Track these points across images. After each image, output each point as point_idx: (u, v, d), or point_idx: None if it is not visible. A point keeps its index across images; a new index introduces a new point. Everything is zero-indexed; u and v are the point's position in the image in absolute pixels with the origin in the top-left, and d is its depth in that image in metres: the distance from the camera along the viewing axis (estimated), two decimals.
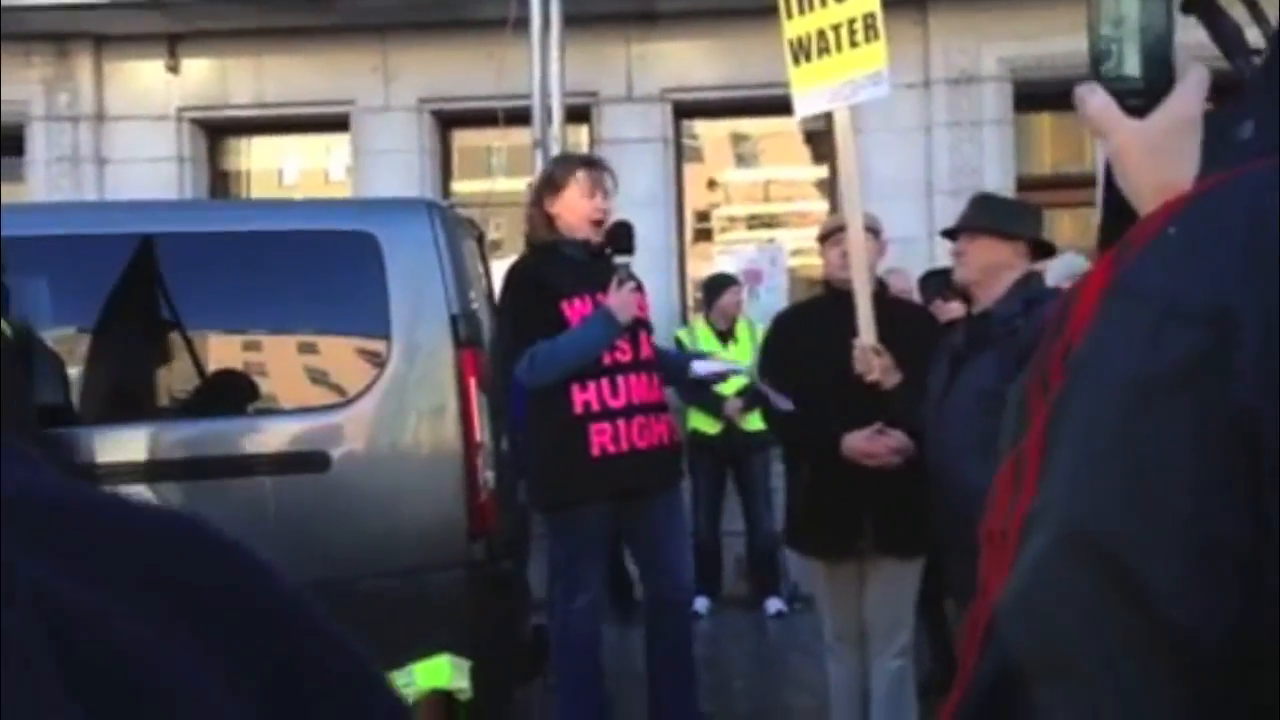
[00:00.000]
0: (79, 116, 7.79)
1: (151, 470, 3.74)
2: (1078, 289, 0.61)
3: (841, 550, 3.52)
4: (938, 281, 5.22)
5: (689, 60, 7.79)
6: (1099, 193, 0.84)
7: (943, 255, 6.70)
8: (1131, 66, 0.80)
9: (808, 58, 3.61)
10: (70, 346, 4.03)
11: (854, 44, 3.53)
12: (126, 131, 7.84)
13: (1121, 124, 0.77)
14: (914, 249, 7.21)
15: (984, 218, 3.23)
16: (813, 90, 3.62)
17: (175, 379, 4.17)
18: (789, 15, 3.64)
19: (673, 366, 4.30)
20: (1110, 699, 0.50)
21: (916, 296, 5.27)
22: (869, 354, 3.36)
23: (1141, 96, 0.79)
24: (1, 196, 7.31)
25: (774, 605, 6.37)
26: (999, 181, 7.41)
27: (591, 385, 3.69)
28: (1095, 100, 0.79)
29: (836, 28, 3.55)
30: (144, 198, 6.78)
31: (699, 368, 4.21)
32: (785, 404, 3.52)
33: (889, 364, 3.35)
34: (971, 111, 7.73)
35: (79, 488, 0.31)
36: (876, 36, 3.51)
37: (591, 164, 3.93)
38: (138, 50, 7.75)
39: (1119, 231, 0.63)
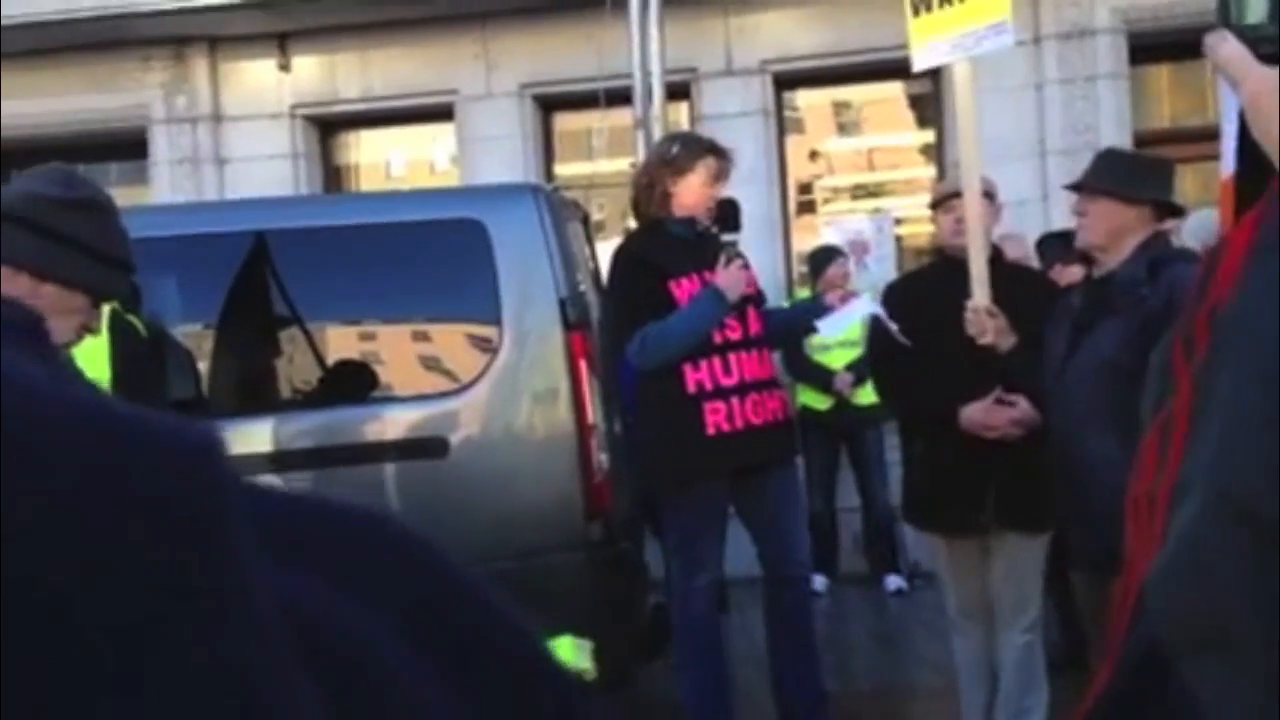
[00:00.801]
0: (197, 118, 8.05)
1: (278, 460, 3.86)
2: (1222, 247, 0.58)
3: (962, 525, 3.45)
4: (1056, 245, 5.06)
5: (788, 30, 7.68)
6: (1224, 144, 0.79)
7: (1058, 218, 6.51)
8: (1260, 14, 0.76)
9: (928, 8, 3.56)
10: (198, 342, 4.18)
11: None
12: (243, 131, 8.08)
13: (1255, 71, 0.73)
14: (1028, 211, 7.01)
15: (1107, 179, 3.09)
16: (932, 42, 3.56)
17: (296, 370, 4.30)
18: None
19: (791, 328, 4.24)
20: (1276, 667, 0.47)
21: (1035, 262, 5.11)
22: (982, 315, 3.27)
23: (1275, 43, 0.74)
24: (127, 199, 7.61)
25: (893, 582, 6.29)
26: (1115, 138, 7.13)
27: (704, 364, 3.68)
28: (1227, 48, 0.75)
29: None
30: (261, 195, 6.98)
31: (827, 329, 4.09)
32: (903, 339, 3.46)
33: (1003, 325, 3.26)
34: (1084, 67, 7.46)
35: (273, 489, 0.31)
36: None
37: (719, 153, 3.90)
38: (250, 50, 7.97)
39: (1256, 184, 0.59)
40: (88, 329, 2.11)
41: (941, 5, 3.51)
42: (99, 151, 7.80)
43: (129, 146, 8.06)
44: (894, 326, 3.48)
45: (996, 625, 3.50)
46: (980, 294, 3.31)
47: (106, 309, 2.66)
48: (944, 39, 3.52)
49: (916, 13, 3.59)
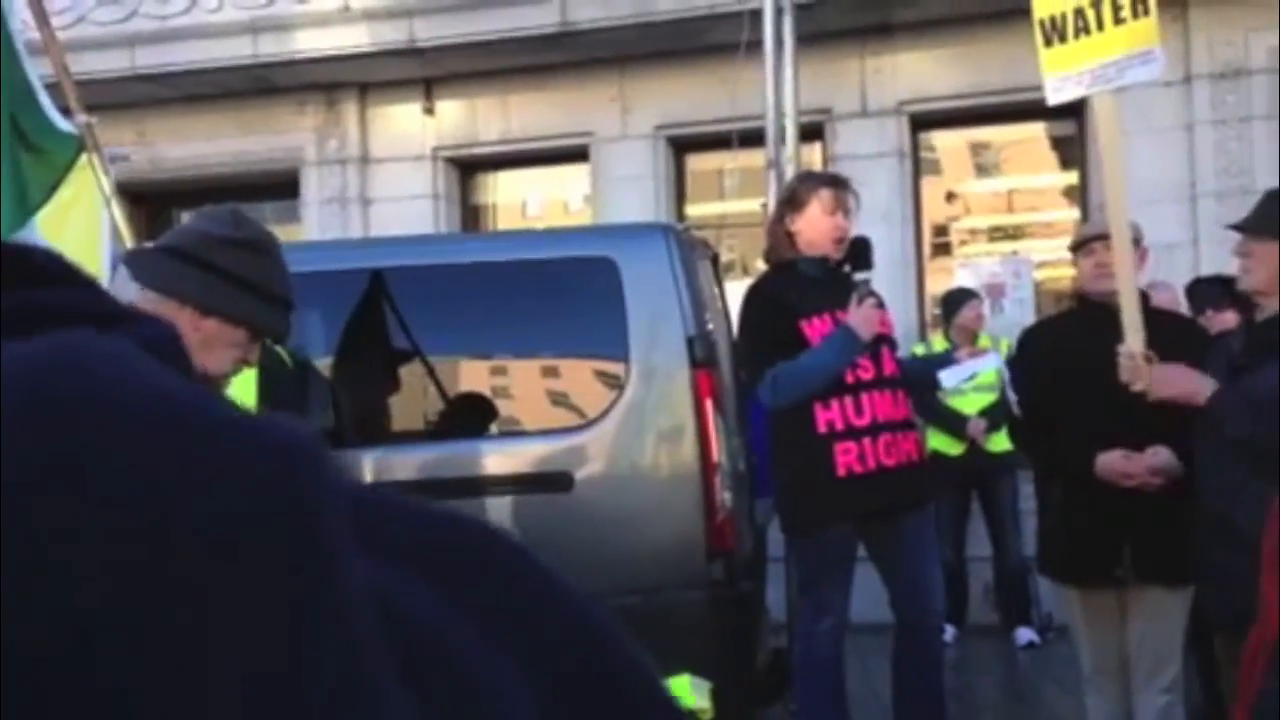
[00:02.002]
0: (346, 160, 8.40)
1: (412, 489, 3.97)
2: None
3: (1098, 577, 3.32)
4: (1207, 290, 4.86)
5: (925, 71, 7.61)
6: None
7: (1209, 262, 6.25)
8: None
9: (1061, 38, 3.27)
10: (339, 373, 4.34)
11: (1119, 21, 3.17)
12: (388, 172, 8.39)
13: None
14: (1177, 256, 6.75)
15: (1273, 220, 2.96)
16: (1068, 74, 3.29)
17: (430, 403, 4.42)
18: None
19: (915, 380, 4.18)
20: None
21: (1184, 309, 4.92)
22: (1138, 361, 3.10)
23: None
24: (279, 237, 7.95)
25: (1025, 635, 6.08)
26: (1269, 181, 6.80)
27: (835, 404, 3.64)
28: None
29: (1098, 3, 3.19)
30: (403, 233, 7.23)
31: (948, 380, 4.01)
32: (1013, 396, 3.37)
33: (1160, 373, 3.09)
34: (1239, 107, 7.17)
35: (385, 494, 0.31)
36: (1146, 12, 3.13)
37: (835, 182, 3.88)
38: (397, 95, 8.29)
39: None
40: (246, 362, 2.21)
41: (1078, 34, 3.24)
42: (255, 191, 8.20)
43: (283, 187, 8.45)
44: (1013, 396, 3.41)
45: (1133, 684, 3.34)
46: (1133, 338, 3.14)
47: None
48: (1082, 70, 3.25)
49: (1049, 43, 3.32)
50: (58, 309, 0.26)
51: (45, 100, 3.62)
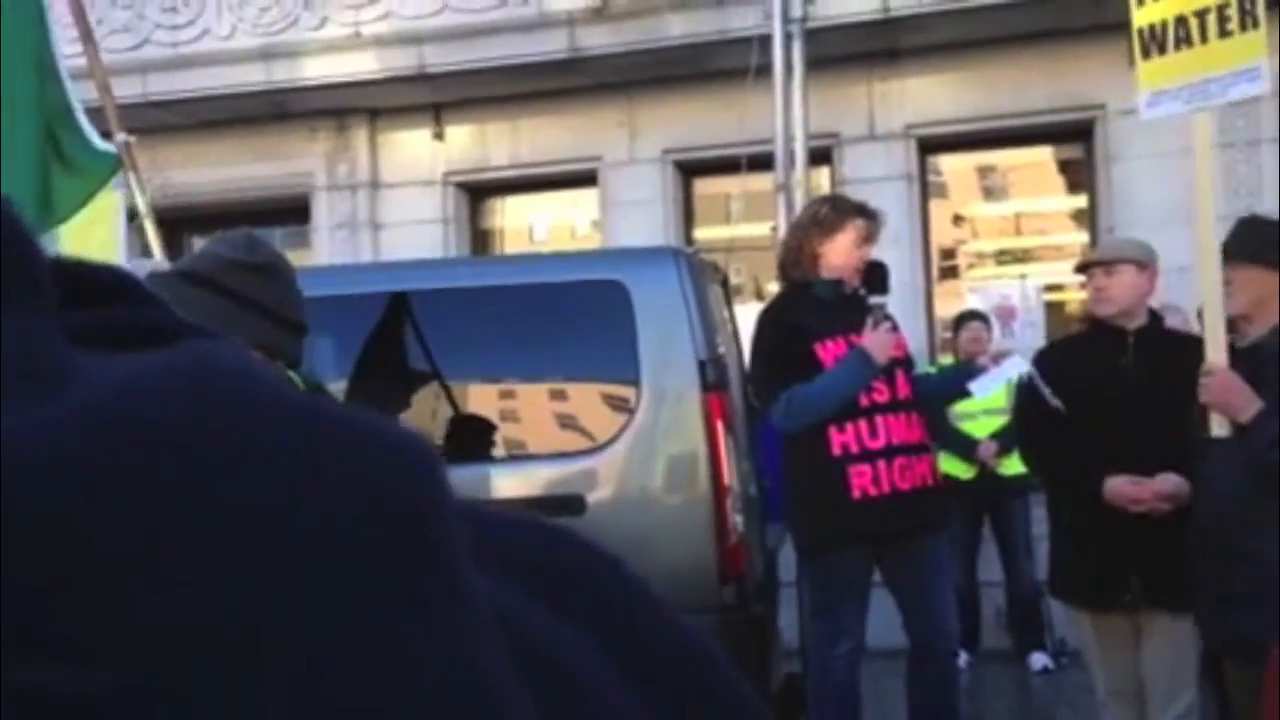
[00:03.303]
0: (356, 185, 8.44)
1: None
2: None
3: (1108, 602, 3.30)
4: None
5: (933, 95, 7.63)
6: None
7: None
8: None
9: (1161, 50, 3.08)
10: (350, 396, 4.34)
11: (1225, 34, 2.97)
12: (398, 198, 8.43)
13: None
14: (1187, 279, 6.74)
15: (1249, 245, 2.96)
16: (1166, 89, 3.10)
17: (439, 426, 4.42)
18: (1140, 1, 3.15)
19: (940, 394, 4.15)
20: None
21: (1197, 331, 4.89)
22: (1225, 375, 2.91)
23: None
24: (291, 262, 7.98)
25: (1039, 660, 6.03)
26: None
27: (849, 427, 3.64)
28: None
29: (1202, 14, 2.98)
30: (412, 258, 7.25)
31: (980, 390, 3.89)
32: (1056, 402, 3.31)
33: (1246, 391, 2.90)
34: (1248, 131, 7.18)
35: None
36: (1256, 24, 2.94)
37: (869, 214, 3.86)
38: (407, 121, 8.33)
39: None
40: None
41: (1179, 46, 3.04)
42: (266, 216, 8.23)
43: (293, 212, 8.49)
44: (1047, 390, 3.35)
45: (1149, 708, 3.32)
46: (1216, 355, 2.96)
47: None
48: (1181, 85, 3.06)
49: (1147, 55, 3.12)
50: (139, 326, 0.26)
51: (84, 121, 3.66)
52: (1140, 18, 3.15)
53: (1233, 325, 3.05)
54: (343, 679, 0.20)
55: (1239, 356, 2.97)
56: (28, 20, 3.42)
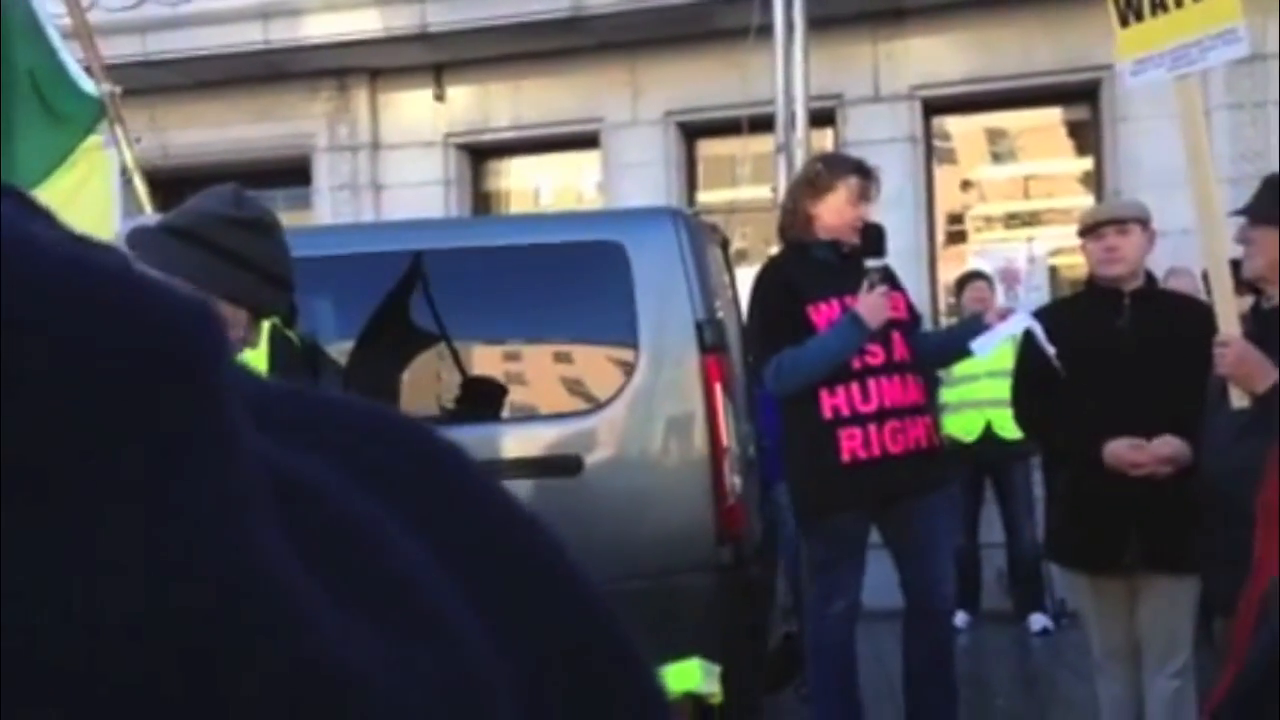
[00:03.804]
0: (357, 146, 8.40)
1: None
2: None
3: (1106, 564, 3.30)
4: None
5: (938, 55, 7.56)
6: None
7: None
8: None
9: (1138, 17, 3.10)
10: (348, 356, 4.34)
11: None
12: (399, 158, 8.39)
13: None
14: (1191, 242, 6.69)
15: (1274, 205, 2.93)
16: (1146, 56, 3.10)
17: (439, 386, 4.42)
18: None
19: (946, 350, 4.07)
20: None
21: (1202, 295, 4.87)
22: (1239, 346, 2.84)
23: None
24: (290, 223, 7.97)
25: (1038, 621, 6.06)
26: None
27: (840, 390, 3.62)
28: None
29: None
30: (411, 218, 7.23)
31: (980, 348, 3.78)
32: (1057, 361, 3.28)
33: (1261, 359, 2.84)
34: (1255, 91, 7.11)
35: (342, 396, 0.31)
36: None
37: (863, 170, 3.82)
38: (408, 81, 8.28)
39: None
40: (247, 343, 2.20)
41: (1155, 12, 3.05)
42: (266, 177, 8.21)
43: (294, 173, 8.46)
44: (1051, 350, 3.31)
45: (1144, 669, 3.33)
46: (1227, 325, 2.92)
47: (266, 324, 2.79)
48: (1161, 50, 3.07)
49: (1125, 22, 3.13)
50: None
51: (73, 68, 3.62)
52: None
53: (1253, 288, 3.02)
54: (99, 527, 0.21)
55: (1258, 318, 2.94)
56: None
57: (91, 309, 0.21)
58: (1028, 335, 3.45)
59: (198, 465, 0.22)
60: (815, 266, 3.75)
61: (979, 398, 6.06)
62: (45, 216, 0.27)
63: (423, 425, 0.32)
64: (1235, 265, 4.53)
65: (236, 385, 0.23)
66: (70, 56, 3.64)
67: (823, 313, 3.67)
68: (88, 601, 0.20)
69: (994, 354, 4.48)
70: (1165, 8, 3.04)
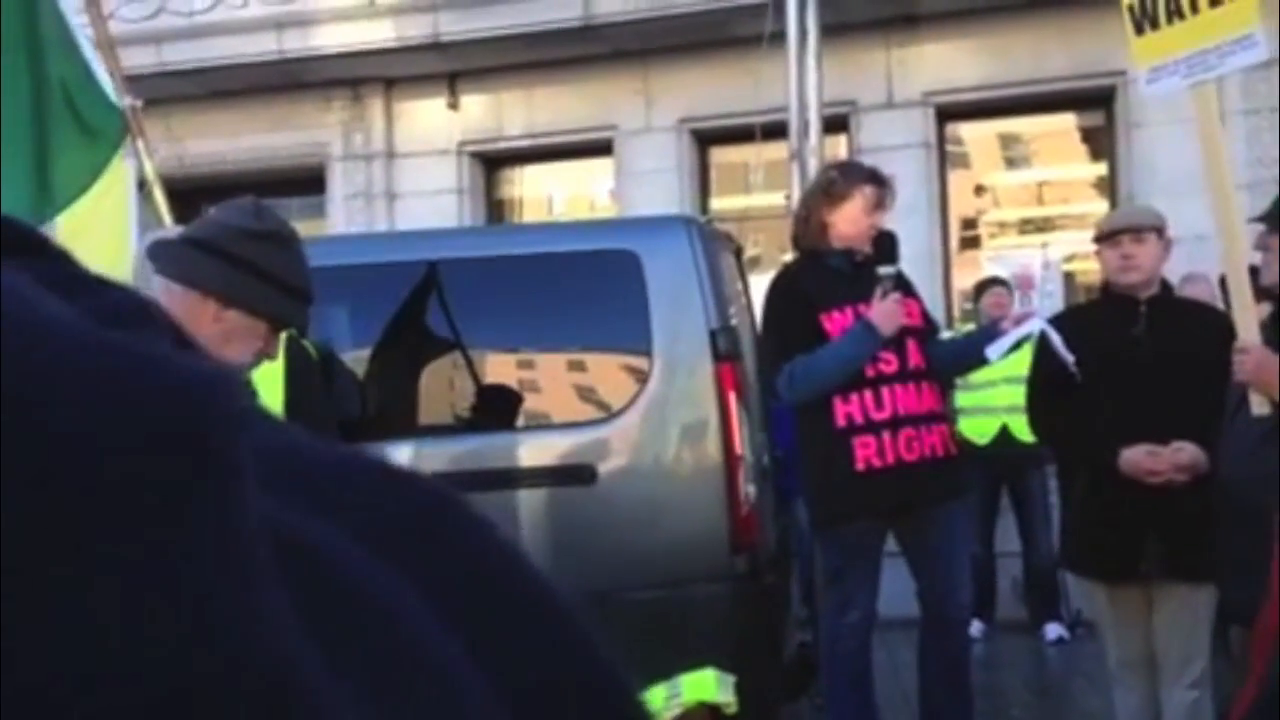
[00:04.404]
0: (372, 155, 8.43)
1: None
2: None
3: (1123, 573, 3.28)
4: None
5: (952, 61, 7.55)
6: None
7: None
8: None
9: (1153, 24, 3.06)
10: (364, 366, 4.35)
11: (1215, 3, 2.95)
12: (413, 167, 8.42)
13: None
14: (1206, 249, 6.66)
15: None
16: (1163, 63, 3.07)
17: (453, 395, 4.43)
18: None
19: (962, 357, 4.04)
20: None
21: (1219, 301, 4.84)
22: (1258, 353, 2.84)
23: None
24: (305, 232, 7.99)
25: (1053, 630, 6.03)
26: None
27: (854, 397, 3.61)
28: None
29: None
30: (427, 227, 7.25)
31: (994, 353, 3.73)
32: (1069, 356, 3.26)
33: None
34: (1271, 97, 7.07)
35: (335, 447, 0.31)
36: None
37: (878, 179, 3.81)
38: (422, 90, 8.31)
39: None
40: (266, 355, 2.21)
41: (1171, 19, 3.02)
42: (281, 186, 8.25)
43: (309, 182, 8.50)
44: (1070, 357, 3.28)
45: (1161, 679, 3.31)
46: (1246, 332, 2.91)
47: (283, 334, 2.80)
48: (1177, 58, 3.03)
49: (1140, 30, 3.10)
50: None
51: (102, 79, 3.64)
52: None
53: (1271, 295, 3.00)
54: (101, 597, 0.21)
55: (1277, 324, 2.92)
56: (12, 3, 3.38)
57: (97, 385, 0.21)
58: (1043, 341, 3.44)
59: (203, 539, 0.22)
60: (829, 275, 3.74)
61: (995, 404, 6.04)
62: (82, 283, 0.27)
63: (428, 480, 0.32)
64: (1253, 272, 4.51)
65: (246, 449, 0.23)
66: (99, 67, 3.67)
67: (836, 321, 3.66)
68: (96, 677, 0.20)
69: (1012, 360, 4.45)
70: (1181, 15, 3.01)
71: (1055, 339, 3.33)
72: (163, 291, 2.06)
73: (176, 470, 0.22)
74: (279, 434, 0.29)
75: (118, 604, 0.21)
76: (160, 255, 2.16)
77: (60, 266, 0.29)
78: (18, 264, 0.26)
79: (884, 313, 3.59)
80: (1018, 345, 3.73)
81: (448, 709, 0.25)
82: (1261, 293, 3.28)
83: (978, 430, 6.08)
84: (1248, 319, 2.92)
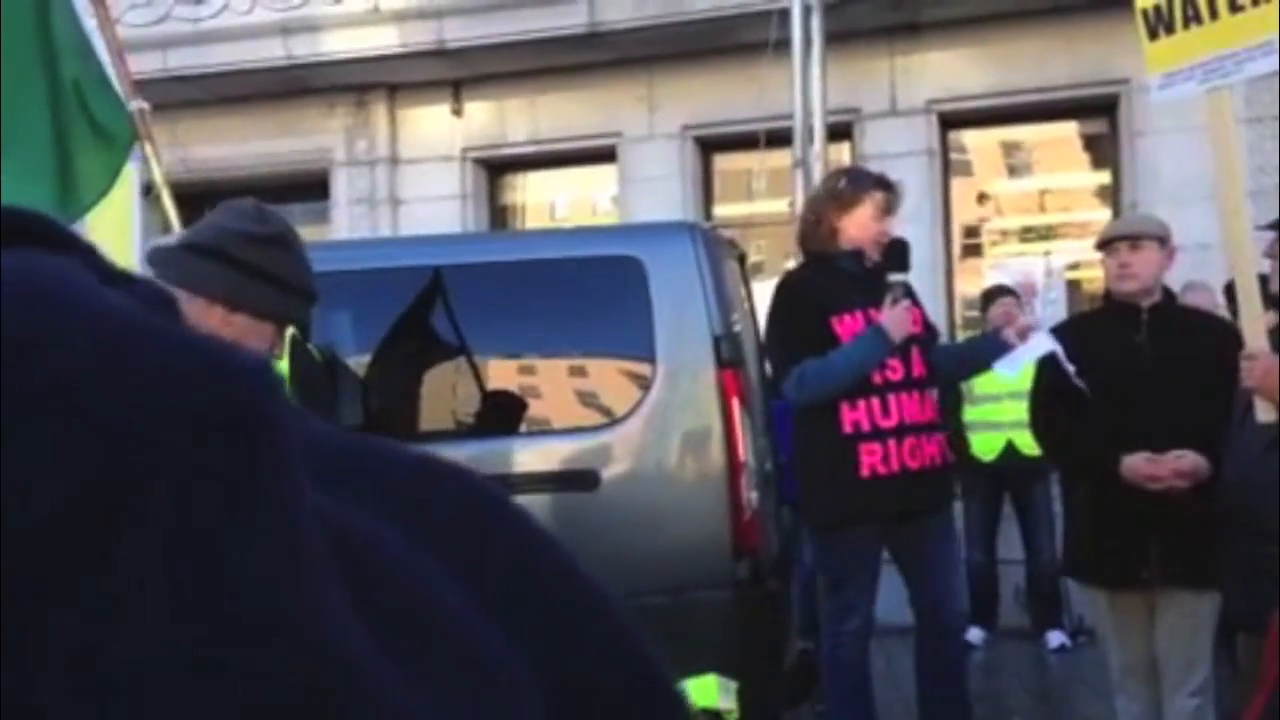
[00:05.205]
0: (375, 161, 8.45)
1: None
2: None
3: (1125, 580, 3.28)
4: None
5: (955, 69, 7.56)
6: None
7: None
8: None
9: (1168, 29, 2.99)
10: (367, 370, 4.36)
11: (1236, 9, 2.88)
12: (417, 173, 8.43)
13: None
14: (1210, 256, 6.67)
15: None
16: (1177, 69, 3.01)
17: (456, 400, 4.43)
18: None
19: (969, 362, 4.05)
20: None
21: (1223, 310, 4.84)
22: (1265, 361, 2.81)
23: None
24: (309, 237, 8.01)
25: (1056, 638, 6.02)
26: None
27: (861, 404, 3.61)
28: None
29: None
30: (431, 233, 7.26)
31: (1006, 368, 3.73)
32: (1080, 382, 3.25)
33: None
34: (1274, 105, 7.08)
35: (374, 439, 0.31)
36: None
37: (887, 186, 3.81)
38: (426, 96, 8.33)
39: None
40: (273, 355, 2.24)
41: (1188, 24, 2.96)
42: (285, 192, 8.26)
43: (313, 187, 8.52)
44: (1071, 368, 3.30)
45: (1164, 685, 3.31)
46: (1254, 340, 2.88)
47: (288, 336, 2.81)
48: (1193, 63, 2.97)
49: (1154, 36, 3.03)
50: None
51: (115, 83, 3.65)
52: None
53: (1276, 303, 3.00)
54: (159, 580, 0.21)
55: None
56: (26, 6, 3.39)
57: (154, 370, 0.22)
58: (1051, 356, 3.44)
59: (261, 524, 0.22)
60: (840, 277, 3.73)
61: (1000, 419, 6.02)
62: (115, 274, 0.27)
63: (468, 471, 0.32)
64: (1261, 280, 4.51)
65: (298, 438, 0.23)
66: (112, 70, 3.67)
67: (846, 325, 3.66)
68: (153, 666, 0.21)
69: (1017, 375, 4.44)
70: (1199, 20, 2.96)
71: (1062, 358, 3.33)
72: None
73: (232, 458, 0.22)
74: (321, 428, 0.29)
75: (174, 592, 0.21)
76: (162, 261, 2.17)
77: (89, 259, 0.29)
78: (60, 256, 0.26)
79: (895, 319, 3.60)
80: (1029, 361, 3.73)
81: (488, 696, 0.26)
82: (1270, 300, 3.28)
83: (983, 446, 6.08)
84: (1256, 326, 2.91)
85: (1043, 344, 3.56)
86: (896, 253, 3.73)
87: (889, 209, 3.77)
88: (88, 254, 0.29)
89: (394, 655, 0.24)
